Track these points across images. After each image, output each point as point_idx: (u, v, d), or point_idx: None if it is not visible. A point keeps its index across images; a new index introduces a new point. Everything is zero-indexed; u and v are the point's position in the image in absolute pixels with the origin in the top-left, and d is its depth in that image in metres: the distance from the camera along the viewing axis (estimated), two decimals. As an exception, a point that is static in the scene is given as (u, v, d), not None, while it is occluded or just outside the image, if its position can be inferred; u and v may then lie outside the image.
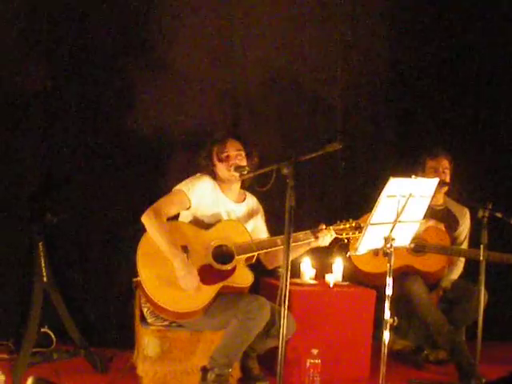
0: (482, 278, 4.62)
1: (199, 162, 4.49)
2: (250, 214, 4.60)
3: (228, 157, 4.41)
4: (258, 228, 4.63)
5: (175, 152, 5.42)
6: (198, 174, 4.45)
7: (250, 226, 4.54)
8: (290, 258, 4.17)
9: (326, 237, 4.36)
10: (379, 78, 6.03)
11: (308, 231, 4.34)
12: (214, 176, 4.46)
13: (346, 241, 4.44)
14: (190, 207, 4.33)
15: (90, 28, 5.26)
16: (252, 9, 5.65)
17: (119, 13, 5.31)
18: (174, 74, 5.44)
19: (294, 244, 4.16)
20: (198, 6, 5.50)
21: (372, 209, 3.71)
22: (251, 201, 4.65)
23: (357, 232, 4.37)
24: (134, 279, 4.16)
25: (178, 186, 4.33)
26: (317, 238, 4.35)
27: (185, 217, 4.38)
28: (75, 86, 5.26)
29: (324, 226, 4.37)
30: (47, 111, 5.20)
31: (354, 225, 4.42)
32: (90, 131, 5.27)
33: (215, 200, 4.41)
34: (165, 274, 4.09)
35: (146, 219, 4.14)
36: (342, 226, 4.41)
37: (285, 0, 5.73)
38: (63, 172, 5.22)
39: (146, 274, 4.09)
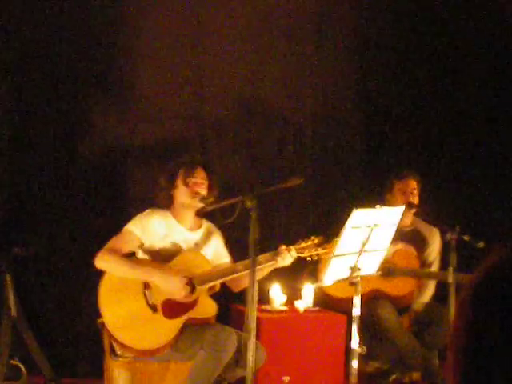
0: (452, 300, 4.63)
1: (160, 182, 4.43)
2: (208, 240, 4.52)
3: (194, 184, 4.38)
4: (219, 253, 4.56)
5: (141, 177, 5.38)
6: (148, 210, 4.39)
7: (209, 252, 4.48)
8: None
9: (287, 257, 4.27)
10: (347, 101, 6.04)
11: (268, 254, 4.25)
12: (171, 201, 4.42)
13: (309, 259, 4.37)
14: (142, 245, 4.29)
15: (52, 52, 5.18)
16: (220, 32, 5.63)
17: (81, 34, 5.23)
18: (138, 98, 5.41)
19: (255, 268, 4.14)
20: (164, 28, 5.46)
21: (338, 235, 3.72)
22: (208, 226, 4.57)
23: (320, 249, 4.29)
24: (98, 320, 4.13)
25: (127, 226, 4.28)
26: (277, 260, 4.25)
27: (142, 255, 4.34)
28: (42, 112, 5.21)
29: (284, 247, 4.29)
30: (12, 141, 5.15)
31: (316, 242, 4.33)
32: (55, 161, 5.21)
33: (170, 231, 4.36)
34: (127, 313, 4.08)
35: (101, 260, 4.11)
36: (303, 245, 4.31)
37: (253, 24, 5.72)
38: (30, 204, 5.18)
39: (109, 315, 4.07)
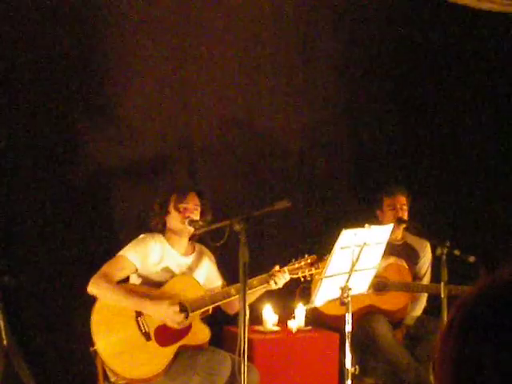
0: (445, 314, 4.64)
1: (153, 208, 4.46)
2: (201, 264, 4.53)
3: (185, 209, 4.38)
4: (212, 276, 4.57)
5: (129, 201, 5.36)
6: (142, 236, 4.40)
7: (202, 276, 4.49)
8: (247, 303, 4.18)
9: (281, 280, 4.27)
10: (335, 120, 6.05)
11: (262, 276, 4.26)
12: (163, 225, 4.42)
13: (302, 280, 4.35)
14: (136, 270, 4.29)
15: (37, 69, 5.11)
16: (207, 52, 5.61)
17: (68, 54, 5.18)
18: (125, 119, 5.35)
19: (249, 292, 4.09)
20: (151, 47, 5.43)
21: (328, 255, 3.72)
22: (200, 250, 4.59)
23: (313, 268, 4.28)
24: (91, 349, 4.11)
25: (121, 252, 4.28)
26: (270, 283, 4.25)
27: (135, 279, 4.34)
28: (23, 137, 5.15)
29: (277, 268, 4.28)
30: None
31: (309, 261, 4.31)
32: (40, 186, 5.15)
33: (163, 256, 4.36)
34: (120, 342, 4.07)
35: (94, 286, 4.10)
36: (296, 265, 4.29)
37: (240, 44, 5.72)
38: (17, 231, 5.15)
39: (102, 344, 4.06)
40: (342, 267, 3.81)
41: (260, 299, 4.66)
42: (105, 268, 4.19)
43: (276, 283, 4.27)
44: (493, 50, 6.41)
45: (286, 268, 4.30)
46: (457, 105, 6.40)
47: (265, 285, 4.27)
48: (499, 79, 6.44)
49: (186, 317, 4.19)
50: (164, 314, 4.09)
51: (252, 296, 4.32)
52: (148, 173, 5.43)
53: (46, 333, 5.17)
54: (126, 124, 5.38)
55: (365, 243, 3.80)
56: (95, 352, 4.09)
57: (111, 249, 4.38)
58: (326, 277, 3.74)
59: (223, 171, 5.65)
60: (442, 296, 4.61)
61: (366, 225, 3.83)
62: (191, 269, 4.47)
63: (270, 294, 4.47)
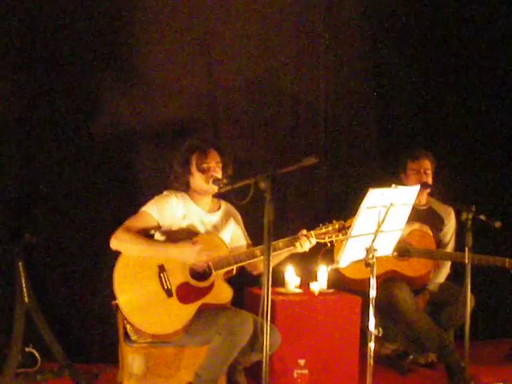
0: (468, 280, 4.60)
1: (174, 169, 4.40)
2: (227, 223, 4.49)
3: (208, 168, 4.33)
4: (237, 235, 4.53)
5: (151, 161, 5.32)
6: (165, 192, 4.37)
7: (227, 234, 4.45)
8: (272, 266, 4.15)
9: (306, 243, 4.23)
10: (360, 82, 5.97)
11: (288, 239, 4.21)
12: (187, 186, 4.38)
13: (329, 245, 4.30)
14: (159, 227, 4.25)
15: (59, 30, 5.10)
16: (232, 13, 5.55)
17: (91, 17, 5.15)
18: (148, 79, 5.32)
19: (274, 254, 4.09)
20: (174, 8, 5.38)
21: (353, 216, 3.67)
22: (226, 208, 4.54)
23: (340, 234, 4.22)
24: (113, 302, 4.10)
25: (144, 208, 4.25)
26: (296, 245, 4.21)
27: (159, 236, 4.30)
28: (47, 101, 5.13)
29: (305, 232, 4.24)
30: (20, 125, 5.10)
31: (337, 227, 4.25)
32: (67, 148, 5.16)
33: (187, 213, 4.33)
34: (142, 296, 4.04)
35: (118, 240, 4.08)
36: (324, 230, 4.24)
37: (264, 3, 5.64)
38: (40, 190, 5.13)
39: (124, 298, 4.03)
40: (368, 228, 3.75)
41: (284, 262, 4.63)
42: (127, 223, 4.17)
43: (302, 246, 4.23)
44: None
45: (312, 232, 4.26)
46: (485, 68, 6.30)
47: (290, 248, 4.23)
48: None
49: (210, 275, 4.17)
50: (188, 253, 4.10)
51: (277, 258, 4.30)
52: (171, 132, 5.38)
53: (66, 291, 5.19)
54: (150, 84, 5.36)
55: (391, 204, 3.74)
56: (117, 306, 4.07)
57: (133, 208, 4.34)
58: (351, 237, 3.68)
59: (247, 131, 5.60)
60: (467, 262, 4.57)
61: (393, 185, 3.76)
62: (216, 227, 4.43)
63: (292, 256, 4.42)
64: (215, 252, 4.22)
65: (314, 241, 4.24)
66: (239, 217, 4.59)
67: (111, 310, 4.18)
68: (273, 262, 4.16)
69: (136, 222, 4.20)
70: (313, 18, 5.82)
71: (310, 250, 4.34)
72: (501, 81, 6.36)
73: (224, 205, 4.55)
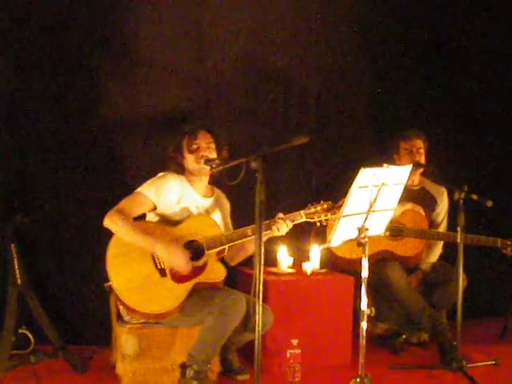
0: (460, 260, 4.63)
1: (168, 154, 4.42)
2: (218, 208, 4.53)
3: (198, 148, 4.34)
4: (225, 222, 4.57)
5: (145, 144, 5.30)
6: (161, 174, 4.38)
7: (217, 219, 4.47)
8: (248, 253, 4.19)
9: (283, 227, 4.26)
10: (351, 61, 5.95)
11: (265, 222, 4.05)
12: (182, 169, 4.39)
13: (318, 224, 4.34)
14: (155, 208, 4.26)
15: (54, 15, 5.07)
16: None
17: (86, 4, 5.13)
18: (141, 64, 5.29)
19: (248, 238, 4.20)
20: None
21: (345, 197, 3.67)
22: (219, 195, 4.59)
23: (329, 214, 4.29)
24: (106, 284, 4.10)
25: (140, 188, 4.25)
26: (273, 229, 4.24)
27: (152, 217, 4.31)
28: (42, 82, 5.11)
29: (281, 215, 4.28)
30: (13, 107, 5.08)
31: (325, 206, 4.31)
32: (59, 128, 5.13)
33: (183, 195, 4.34)
34: (136, 276, 4.05)
35: (110, 221, 4.06)
36: (313, 210, 4.31)
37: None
38: (33, 171, 5.12)
39: (117, 278, 4.04)
40: (360, 207, 3.75)
41: (275, 241, 4.65)
42: (122, 203, 4.16)
43: (278, 229, 4.26)
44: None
45: (302, 211, 4.30)
46: (479, 49, 6.28)
47: (268, 231, 4.25)
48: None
49: (202, 254, 4.18)
50: (174, 258, 4.07)
51: (251, 244, 4.26)
52: (164, 115, 5.37)
53: (59, 272, 5.19)
54: (142, 67, 5.32)
55: (383, 183, 3.74)
56: (110, 288, 4.08)
57: (126, 190, 4.33)
58: (343, 216, 3.68)
59: (239, 111, 5.58)
60: (459, 241, 4.59)
61: (385, 164, 3.76)
62: (208, 211, 4.46)
63: (284, 236, 4.42)
64: (207, 233, 4.23)
65: (290, 224, 4.28)
66: (229, 205, 4.65)
67: (104, 291, 4.19)
68: (249, 249, 4.27)
69: (130, 202, 4.19)
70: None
71: (301, 228, 4.40)
72: (495, 59, 6.34)
73: (217, 191, 4.60)
